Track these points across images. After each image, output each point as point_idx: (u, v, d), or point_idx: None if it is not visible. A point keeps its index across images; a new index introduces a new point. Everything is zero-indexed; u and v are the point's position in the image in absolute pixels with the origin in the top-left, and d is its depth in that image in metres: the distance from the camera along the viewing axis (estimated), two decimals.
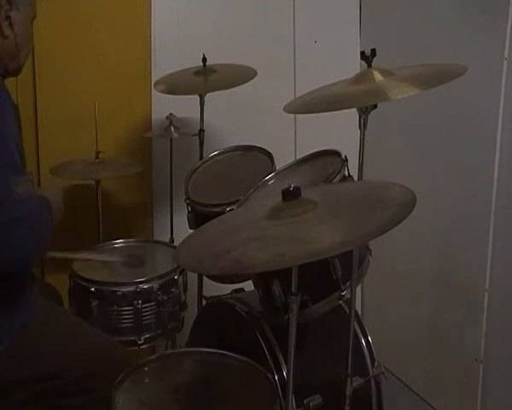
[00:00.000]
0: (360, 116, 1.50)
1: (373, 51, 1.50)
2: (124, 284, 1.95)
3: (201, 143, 2.35)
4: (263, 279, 1.61)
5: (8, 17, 1.54)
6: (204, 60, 2.26)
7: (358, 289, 2.36)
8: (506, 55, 2.03)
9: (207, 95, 2.30)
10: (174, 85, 2.27)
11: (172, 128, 2.31)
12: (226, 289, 1.99)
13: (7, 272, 1.48)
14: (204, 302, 2.21)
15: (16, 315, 1.58)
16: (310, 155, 1.85)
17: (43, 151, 2.44)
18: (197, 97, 2.31)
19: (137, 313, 1.94)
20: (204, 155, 2.27)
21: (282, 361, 1.62)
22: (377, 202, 1.27)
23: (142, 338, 1.96)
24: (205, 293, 2.24)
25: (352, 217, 1.22)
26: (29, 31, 1.64)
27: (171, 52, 2.52)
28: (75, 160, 2.32)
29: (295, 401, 1.51)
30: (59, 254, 1.97)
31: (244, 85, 2.19)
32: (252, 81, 2.19)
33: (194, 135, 2.34)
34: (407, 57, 2.35)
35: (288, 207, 1.24)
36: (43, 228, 1.51)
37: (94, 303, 1.92)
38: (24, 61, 1.65)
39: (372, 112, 1.48)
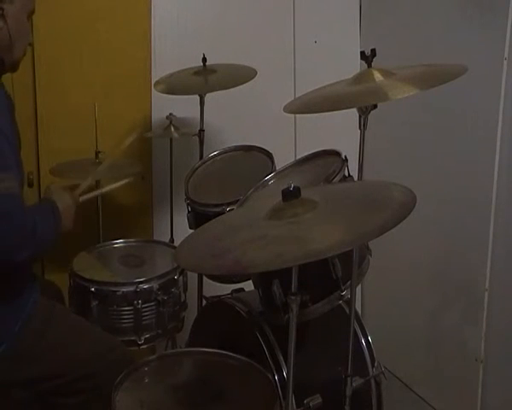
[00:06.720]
0: (360, 116, 1.50)
1: (373, 51, 1.50)
2: (124, 284, 1.95)
3: (201, 143, 2.34)
4: (263, 279, 1.61)
5: (1, 8, 1.54)
6: (204, 60, 2.26)
7: (358, 289, 2.36)
8: (506, 55, 2.03)
9: (207, 95, 2.29)
10: (174, 85, 2.27)
11: (172, 128, 2.31)
12: (226, 289, 1.99)
13: None
14: (204, 302, 2.21)
15: (17, 315, 1.58)
16: (310, 155, 1.85)
17: (43, 151, 2.44)
18: (197, 97, 2.30)
19: (137, 313, 1.94)
20: (204, 155, 2.27)
21: (282, 361, 1.62)
22: (377, 202, 1.27)
23: (142, 338, 1.96)
24: (205, 293, 2.24)
25: (352, 217, 1.22)
26: (24, 24, 1.63)
27: (171, 52, 2.52)
28: (75, 160, 2.32)
29: (295, 401, 1.51)
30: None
31: (244, 85, 2.18)
32: (252, 81, 2.19)
33: (194, 135, 2.34)
34: (407, 57, 2.35)
35: (288, 207, 1.24)
36: (36, 230, 1.49)
37: (94, 303, 1.92)
38: (20, 55, 1.64)
39: (372, 112, 1.48)
